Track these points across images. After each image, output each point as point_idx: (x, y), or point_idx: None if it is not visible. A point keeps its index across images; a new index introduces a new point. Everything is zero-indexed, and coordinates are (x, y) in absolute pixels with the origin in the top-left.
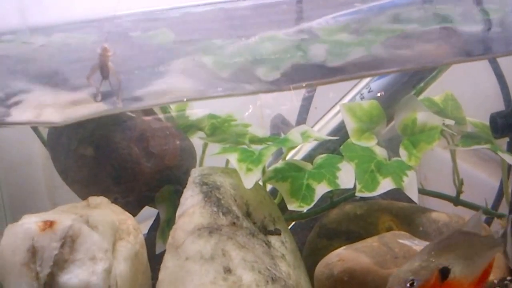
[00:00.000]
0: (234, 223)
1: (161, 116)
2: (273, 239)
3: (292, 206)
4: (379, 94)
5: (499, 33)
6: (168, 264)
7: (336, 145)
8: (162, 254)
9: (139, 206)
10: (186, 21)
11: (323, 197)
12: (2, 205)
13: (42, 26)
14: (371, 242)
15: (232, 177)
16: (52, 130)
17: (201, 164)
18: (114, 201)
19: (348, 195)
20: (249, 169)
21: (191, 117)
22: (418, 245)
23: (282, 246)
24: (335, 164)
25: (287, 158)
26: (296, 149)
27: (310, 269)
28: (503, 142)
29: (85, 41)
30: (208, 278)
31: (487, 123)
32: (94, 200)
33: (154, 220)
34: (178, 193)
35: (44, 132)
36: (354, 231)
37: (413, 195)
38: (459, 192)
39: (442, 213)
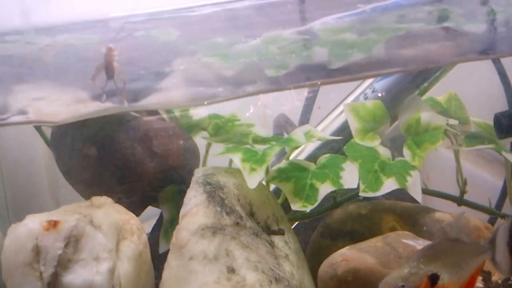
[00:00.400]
0: (237, 223)
1: (164, 116)
2: (277, 239)
3: (295, 206)
4: (380, 95)
5: (504, 33)
6: (172, 264)
7: (339, 145)
8: (166, 253)
9: (143, 206)
10: (191, 21)
11: (327, 197)
12: (5, 204)
13: (46, 26)
14: (375, 242)
15: (236, 177)
16: (56, 130)
17: (204, 164)
18: (118, 201)
19: (352, 195)
20: (252, 169)
21: (194, 117)
22: (422, 245)
23: (286, 246)
24: (338, 164)
25: (291, 158)
26: (300, 149)
27: (313, 269)
28: (507, 142)
29: (90, 42)
30: (211, 278)
31: (491, 123)
32: (98, 200)
33: (157, 220)
34: (182, 193)
35: (48, 132)
36: (357, 231)
37: (417, 195)
38: (462, 192)
39: (446, 213)
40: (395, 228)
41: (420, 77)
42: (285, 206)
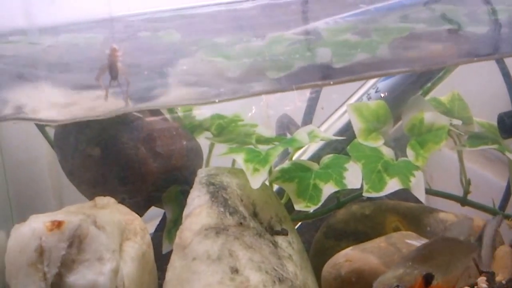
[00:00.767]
0: (241, 223)
1: (167, 116)
2: (280, 239)
3: (299, 206)
4: (382, 95)
5: (507, 33)
6: (175, 264)
7: (343, 145)
8: (169, 254)
9: (146, 206)
10: (193, 21)
11: (330, 197)
12: (9, 205)
13: (49, 26)
14: (379, 242)
15: (239, 177)
16: (59, 130)
17: (207, 164)
18: (121, 201)
19: (355, 195)
20: (256, 169)
21: (197, 117)
22: None
23: (289, 246)
24: (342, 164)
25: (294, 158)
26: (303, 149)
27: (317, 270)
28: (511, 142)
29: (93, 41)
30: (215, 278)
31: (494, 123)
32: (101, 200)
33: (161, 220)
34: (185, 193)
35: (51, 132)
36: (361, 231)
37: (421, 195)
38: (466, 192)
39: (449, 213)
40: (399, 228)
41: (423, 77)
42: (289, 206)
